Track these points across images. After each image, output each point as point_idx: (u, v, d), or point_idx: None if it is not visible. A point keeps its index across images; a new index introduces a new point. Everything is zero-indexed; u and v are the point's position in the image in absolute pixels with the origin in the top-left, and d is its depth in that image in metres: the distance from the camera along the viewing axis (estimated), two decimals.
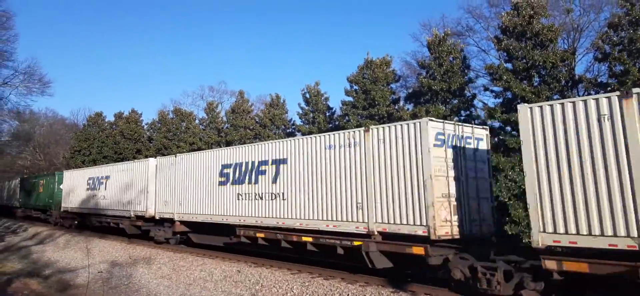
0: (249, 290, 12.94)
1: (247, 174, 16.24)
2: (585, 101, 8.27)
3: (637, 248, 7.44)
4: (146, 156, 39.93)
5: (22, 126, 54.89)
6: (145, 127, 50.11)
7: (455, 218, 11.15)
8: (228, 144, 35.70)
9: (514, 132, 18.92)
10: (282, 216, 14.64)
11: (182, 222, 19.59)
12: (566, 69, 20.32)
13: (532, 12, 20.00)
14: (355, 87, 27.32)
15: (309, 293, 11.69)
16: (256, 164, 15.87)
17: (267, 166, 15.41)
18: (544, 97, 18.54)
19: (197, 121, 44.00)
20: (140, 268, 17.18)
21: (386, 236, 11.71)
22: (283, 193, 14.69)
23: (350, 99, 27.60)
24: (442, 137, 11.39)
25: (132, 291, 15.02)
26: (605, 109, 7.96)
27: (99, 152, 50.43)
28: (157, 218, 21.16)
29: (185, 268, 16.17)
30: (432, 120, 11.47)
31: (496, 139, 19.46)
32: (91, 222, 28.29)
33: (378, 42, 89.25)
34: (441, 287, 10.98)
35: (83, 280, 17.32)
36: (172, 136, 42.60)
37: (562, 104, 8.54)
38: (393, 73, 27.22)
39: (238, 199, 16.45)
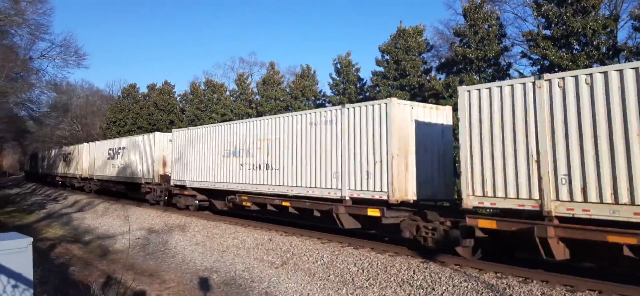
0: (280, 257, 13.17)
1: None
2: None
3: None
4: (179, 127, 40.70)
5: (59, 97, 56.63)
6: (178, 98, 50.81)
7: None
8: (259, 115, 35.93)
9: None
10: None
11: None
12: (607, 36, 19.45)
13: None
14: (387, 57, 26.88)
15: (339, 262, 11.80)
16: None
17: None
18: (582, 65, 17.84)
19: (228, 93, 44.34)
20: (175, 235, 17.69)
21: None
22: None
23: (381, 69, 27.22)
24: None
25: (168, 257, 15.54)
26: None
27: (133, 123, 51.58)
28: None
29: (218, 235, 16.54)
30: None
31: None
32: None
33: (410, 10, 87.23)
34: (477, 260, 10.88)
35: (121, 245, 17.99)
36: (204, 107, 43.11)
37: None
38: (425, 42, 26.62)
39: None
